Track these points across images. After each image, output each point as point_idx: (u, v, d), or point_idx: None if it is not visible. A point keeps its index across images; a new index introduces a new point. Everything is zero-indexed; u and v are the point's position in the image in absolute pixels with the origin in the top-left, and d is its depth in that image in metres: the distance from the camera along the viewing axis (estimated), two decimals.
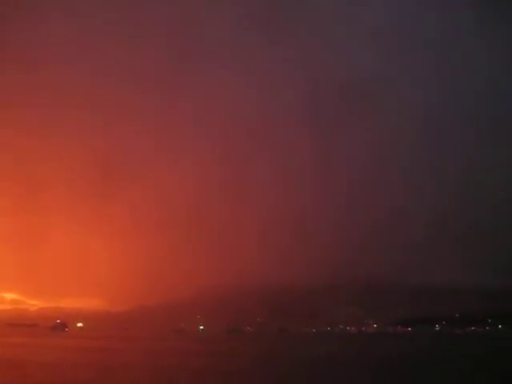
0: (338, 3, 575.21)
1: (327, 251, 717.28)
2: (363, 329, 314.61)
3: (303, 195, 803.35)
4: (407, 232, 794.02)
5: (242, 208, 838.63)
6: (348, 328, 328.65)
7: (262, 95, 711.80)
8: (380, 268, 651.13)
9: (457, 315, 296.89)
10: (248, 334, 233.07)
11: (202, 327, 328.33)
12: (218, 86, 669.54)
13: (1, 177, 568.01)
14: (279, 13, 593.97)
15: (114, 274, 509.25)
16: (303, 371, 38.82)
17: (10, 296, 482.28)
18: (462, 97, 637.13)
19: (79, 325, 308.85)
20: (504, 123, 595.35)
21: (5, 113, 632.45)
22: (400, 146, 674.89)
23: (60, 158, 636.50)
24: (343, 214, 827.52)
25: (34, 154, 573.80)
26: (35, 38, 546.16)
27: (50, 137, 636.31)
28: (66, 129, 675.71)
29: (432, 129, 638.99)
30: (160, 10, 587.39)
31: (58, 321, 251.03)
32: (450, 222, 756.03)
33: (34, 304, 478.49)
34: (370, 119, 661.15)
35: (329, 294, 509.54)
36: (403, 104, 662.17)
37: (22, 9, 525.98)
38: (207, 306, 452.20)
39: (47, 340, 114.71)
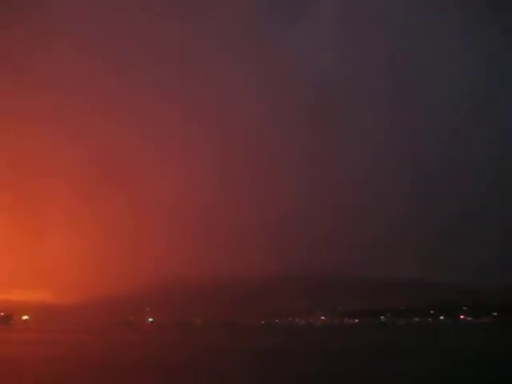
0: None
1: (277, 246, 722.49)
2: (311, 321, 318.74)
3: (256, 191, 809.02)
4: (357, 229, 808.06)
5: (190, 199, 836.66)
6: (297, 320, 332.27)
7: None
8: (329, 262, 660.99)
9: (401, 307, 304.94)
10: (197, 327, 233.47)
11: (151, 319, 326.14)
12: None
13: None
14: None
15: (61, 265, 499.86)
16: (245, 363, 39.41)
17: None
18: (411, 91, 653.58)
19: (24, 318, 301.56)
20: (454, 122, 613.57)
21: None
22: (356, 146, 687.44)
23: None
24: (296, 211, 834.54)
25: None
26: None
27: None
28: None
29: (387, 130, 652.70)
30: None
31: (2, 313, 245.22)
32: (400, 220, 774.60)
33: None
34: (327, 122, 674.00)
35: (278, 287, 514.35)
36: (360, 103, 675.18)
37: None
38: (157, 298, 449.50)
39: None
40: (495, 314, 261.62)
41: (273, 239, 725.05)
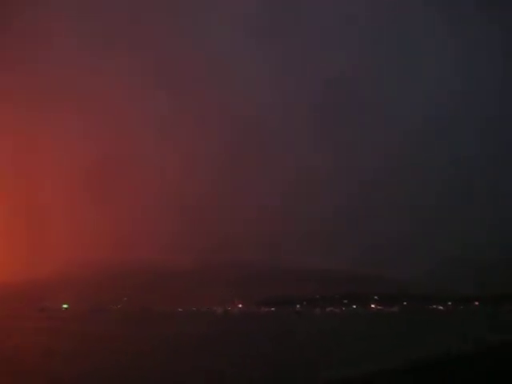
0: None
1: (196, 234, 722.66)
2: (228, 309, 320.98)
3: (160, 176, 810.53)
4: (278, 218, 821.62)
5: (117, 181, 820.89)
6: (214, 308, 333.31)
7: None
8: (246, 252, 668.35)
9: (317, 296, 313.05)
10: (113, 313, 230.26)
11: (65, 306, 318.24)
12: None
13: None
14: None
15: None
16: (158, 350, 40.06)
17: None
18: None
19: None
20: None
21: None
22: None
23: None
24: (215, 200, 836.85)
25: None
26: None
27: None
28: None
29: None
30: None
31: None
32: (311, 213, 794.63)
33: None
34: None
35: (196, 274, 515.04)
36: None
37: None
38: (72, 284, 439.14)
39: None
40: (405, 303, 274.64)
41: (192, 227, 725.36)
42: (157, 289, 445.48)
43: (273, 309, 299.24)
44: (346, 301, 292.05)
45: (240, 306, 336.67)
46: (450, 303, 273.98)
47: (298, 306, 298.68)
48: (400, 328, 67.98)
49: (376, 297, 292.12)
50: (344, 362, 25.26)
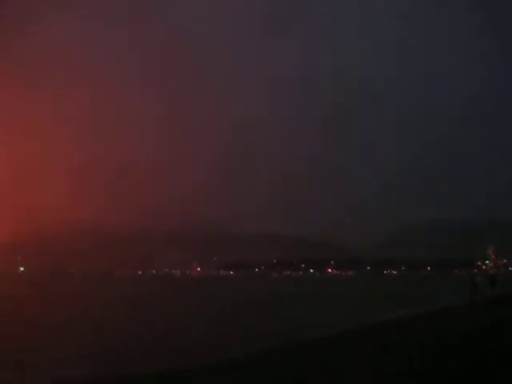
0: None
1: (158, 198, 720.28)
2: (187, 272, 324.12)
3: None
4: (232, 188, 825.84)
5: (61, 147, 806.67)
6: (173, 271, 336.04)
7: None
8: (210, 216, 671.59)
9: (274, 261, 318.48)
10: (72, 277, 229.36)
11: (22, 269, 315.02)
12: None
13: None
14: None
15: None
16: (116, 312, 41.05)
17: None
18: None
19: None
20: None
21: None
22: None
23: None
24: (175, 164, 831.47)
25: None
26: None
27: None
28: None
29: None
30: None
31: None
32: (276, 180, 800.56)
33: None
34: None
35: (155, 239, 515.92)
36: None
37: None
38: (29, 246, 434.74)
39: None
40: (361, 267, 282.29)
41: (148, 192, 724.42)
42: (117, 253, 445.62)
43: (231, 272, 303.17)
44: (303, 265, 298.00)
45: (199, 269, 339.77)
46: (403, 268, 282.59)
47: (256, 269, 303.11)
48: (355, 292, 70.74)
49: (332, 262, 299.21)
50: (297, 325, 26.69)
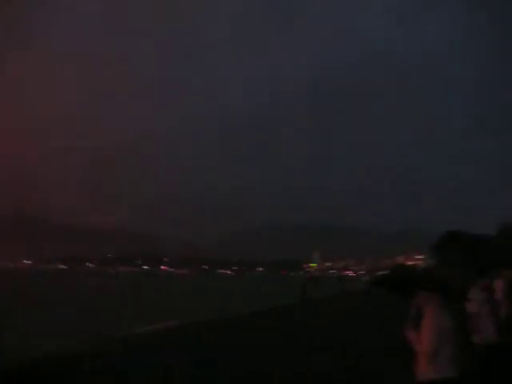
0: None
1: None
2: (15, 265, 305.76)
3: None
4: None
5: None
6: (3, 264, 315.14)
7: None
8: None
9: (109, 255, 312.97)
10: None
11: None
12: None
13: None
14: None
15: None
16: None
17: None
18: None
19: None
20: None
21: None
22: None
23: None
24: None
25: None
26: None
27: None
28: None
29: None
30: None
31: None
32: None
33: None
34: None
35: None
36: None
37: None
38: None
39: None
40: (196, 266, 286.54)
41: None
42: None
43: (64, 266, 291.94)
44: (138, 261, 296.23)
45: (29, 262, 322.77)
46: (236, 268, 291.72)
47: (89, 264, 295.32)
48: (185, 289, 72.90)
49: (167, 258, 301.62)
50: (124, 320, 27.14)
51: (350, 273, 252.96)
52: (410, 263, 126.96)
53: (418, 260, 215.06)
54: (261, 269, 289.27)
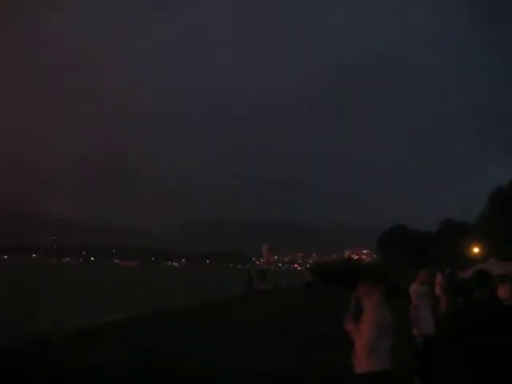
0: None
1: None
2: None
3: None
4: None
5: None
6: None
7: None
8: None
9: (55, 246, 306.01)
10: None
11: None
12: None
13: None
14: None
15: None
16: None
17: None
18: None
19: None
20: None
21: None
22: None
23: None
24: None
25: None
26: None
27: None
28: None
29: None
30: None
31: None
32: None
33: None
34: None
35: None
36: None
37: None
38: None
39: None
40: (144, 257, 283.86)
41: None
42: None
43: (5, 256, 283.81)
44: (84, 252, 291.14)
45: None
46: (183, 260, 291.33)
47: (34, 255, 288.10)
48: (134, 281, 72.17)
49: (114, 250, 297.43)
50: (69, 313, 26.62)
51: (298, 267, 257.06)
52: (356, 257, 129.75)
53: (364, 255, 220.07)
54: (208, 261, 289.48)
